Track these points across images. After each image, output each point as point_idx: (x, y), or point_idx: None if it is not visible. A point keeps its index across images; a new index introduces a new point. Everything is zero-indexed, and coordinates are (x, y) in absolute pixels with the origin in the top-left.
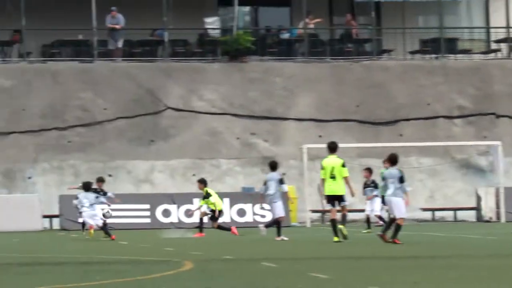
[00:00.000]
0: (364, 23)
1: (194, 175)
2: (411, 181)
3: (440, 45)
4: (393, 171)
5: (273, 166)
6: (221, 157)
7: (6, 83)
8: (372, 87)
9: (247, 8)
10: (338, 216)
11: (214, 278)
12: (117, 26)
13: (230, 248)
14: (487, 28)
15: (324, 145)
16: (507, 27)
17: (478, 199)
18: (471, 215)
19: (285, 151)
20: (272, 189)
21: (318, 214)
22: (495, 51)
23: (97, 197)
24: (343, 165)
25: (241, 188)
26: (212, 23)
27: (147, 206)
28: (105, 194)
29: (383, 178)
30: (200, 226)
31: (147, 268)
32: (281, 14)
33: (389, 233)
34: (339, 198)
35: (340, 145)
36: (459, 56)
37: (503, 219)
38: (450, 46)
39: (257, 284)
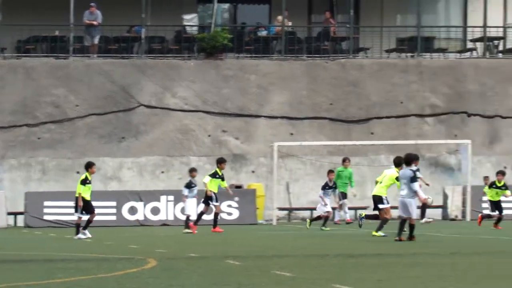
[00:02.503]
0: (342, 21)
1: (162, 172)
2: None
3: (417, 44)
4: (407, 171)
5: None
6: (191, 154)
7: None
8: (346, 85)
9: (226, 5)
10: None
11: (177, 276)
12: (94, 22)
13: (195, 245)
14: (464, 27)
15: (295, 143)
16: (484, 26)
17: (445, 197)
18: (437, 214)
19: (256, 148)
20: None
21: (285, 212)
22: (470, 50)
23: None
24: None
25: None
26: (190, 20)
27: (114, 204)
28: None
29: (339, 177)
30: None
31: (111, 265)
32: (261, 11)
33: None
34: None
35: (311, 143)
36: (435, 55)
37: (468, 218)
38: (427, 45)
39: (220, 282)
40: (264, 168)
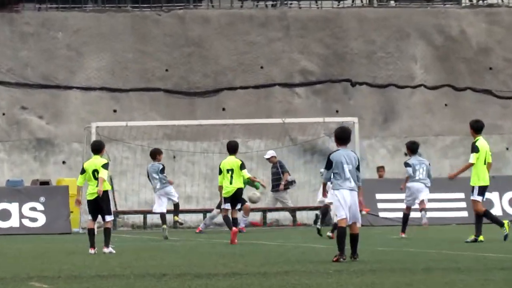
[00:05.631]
0: None
1: None
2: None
3: None
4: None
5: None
6: None
7: None
8: (187, 45)
9: None
10: None
11: None
12: None
13: None
14: None
15: (120, 123)
16: None
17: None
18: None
19: (67, 131)
20: None
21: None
22: None
23: None
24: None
25: (5, 182)
26: None
27: None
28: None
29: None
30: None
31: None
32: None
33: None
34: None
35: (142, 123)
36: (304, 3)
37: None
38: None
39: None
40: (79, 157)
